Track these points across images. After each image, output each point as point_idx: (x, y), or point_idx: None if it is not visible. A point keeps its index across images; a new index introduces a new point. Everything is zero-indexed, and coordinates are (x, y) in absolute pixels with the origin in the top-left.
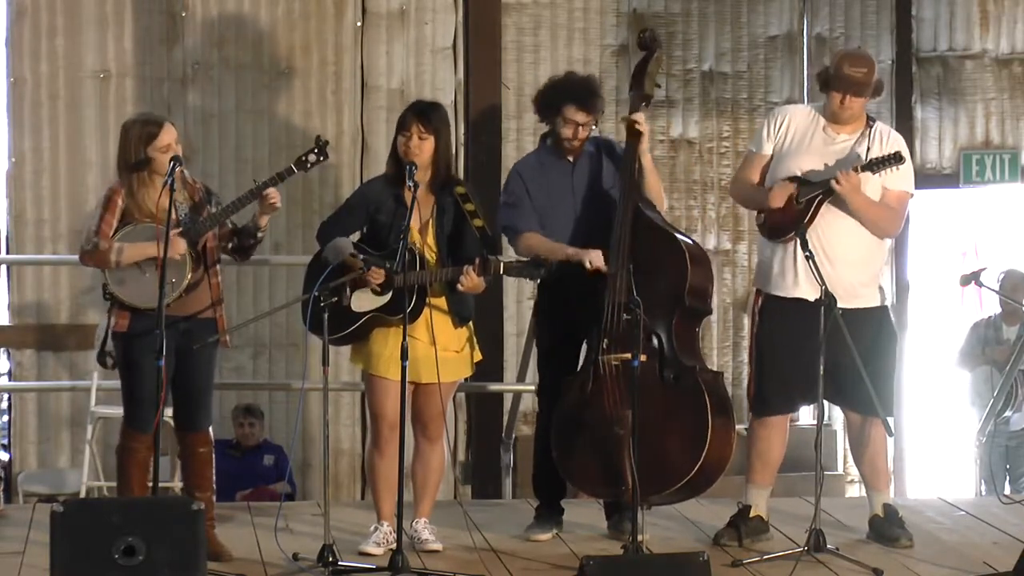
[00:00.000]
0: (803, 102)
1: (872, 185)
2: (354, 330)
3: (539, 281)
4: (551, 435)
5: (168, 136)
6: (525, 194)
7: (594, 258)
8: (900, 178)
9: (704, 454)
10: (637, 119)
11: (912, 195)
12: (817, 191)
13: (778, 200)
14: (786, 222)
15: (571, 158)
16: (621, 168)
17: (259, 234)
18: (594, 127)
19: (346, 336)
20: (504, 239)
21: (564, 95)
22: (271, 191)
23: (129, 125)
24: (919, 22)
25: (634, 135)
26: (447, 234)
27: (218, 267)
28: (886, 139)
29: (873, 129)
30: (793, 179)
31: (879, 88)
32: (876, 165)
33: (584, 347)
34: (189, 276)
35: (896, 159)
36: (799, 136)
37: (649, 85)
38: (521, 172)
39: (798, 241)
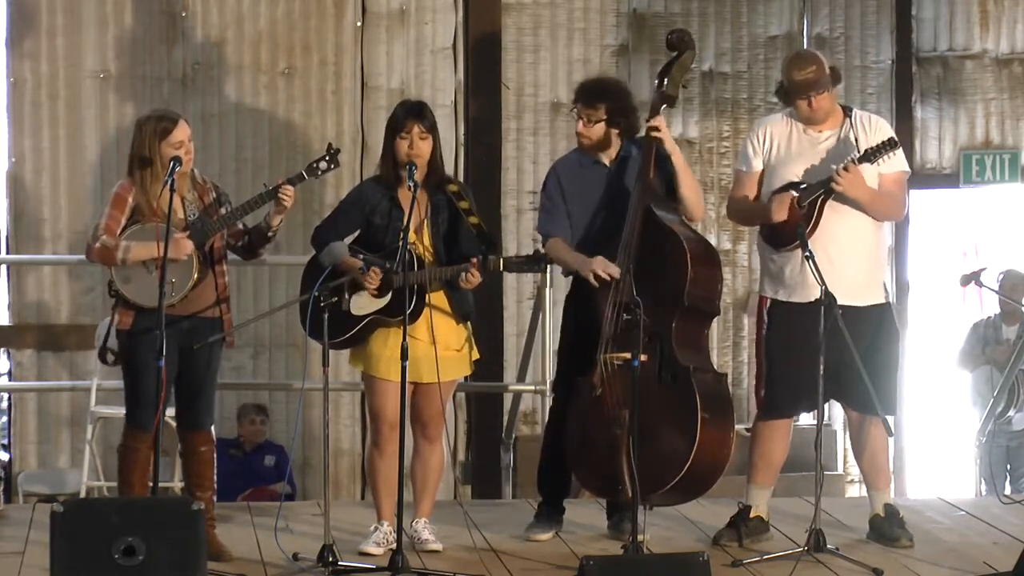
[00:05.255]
0: None
1: (869, 174)
2: (355, 333)
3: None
4: (565, 432)
5: (182, 133)
6: (559, 195)
7: (596, 269)
8: (894, 160)
9: (693, 455)
10: (654, 124)
11: (908, 172)
12: (818, 192)
13: (781, 213)
14: (790, 229)
15: (607, 161)
16: (638, 169)
17: (270, 234)
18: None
19: (347, 340)
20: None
21: (575, 96)
22: (287, 188)
23: (143, 121)
24: (919, 22)
25: (651, 139)
26: (443, 233)
27: (225, 266)
28: (869, 126)
29: (853, 119)
30: (789, 186)
31: (837, 76)
32: (873, 155)
33: None
34: (195, 277)
35: (892, 145)
36: (783, 144)
37: (671, 87)
38: (559, 171)
39: (800, 243)
